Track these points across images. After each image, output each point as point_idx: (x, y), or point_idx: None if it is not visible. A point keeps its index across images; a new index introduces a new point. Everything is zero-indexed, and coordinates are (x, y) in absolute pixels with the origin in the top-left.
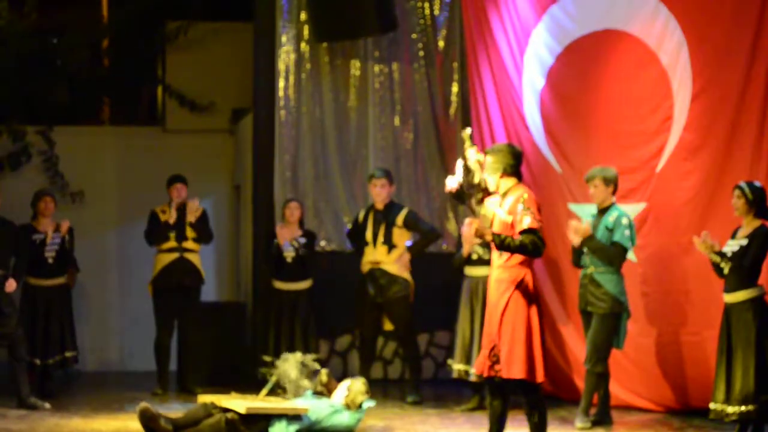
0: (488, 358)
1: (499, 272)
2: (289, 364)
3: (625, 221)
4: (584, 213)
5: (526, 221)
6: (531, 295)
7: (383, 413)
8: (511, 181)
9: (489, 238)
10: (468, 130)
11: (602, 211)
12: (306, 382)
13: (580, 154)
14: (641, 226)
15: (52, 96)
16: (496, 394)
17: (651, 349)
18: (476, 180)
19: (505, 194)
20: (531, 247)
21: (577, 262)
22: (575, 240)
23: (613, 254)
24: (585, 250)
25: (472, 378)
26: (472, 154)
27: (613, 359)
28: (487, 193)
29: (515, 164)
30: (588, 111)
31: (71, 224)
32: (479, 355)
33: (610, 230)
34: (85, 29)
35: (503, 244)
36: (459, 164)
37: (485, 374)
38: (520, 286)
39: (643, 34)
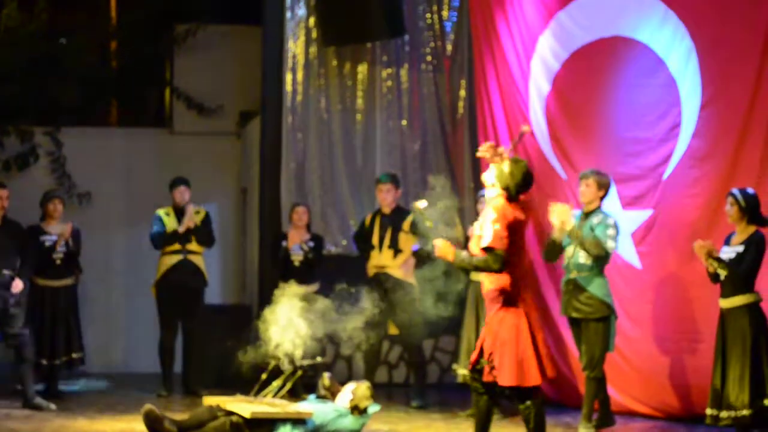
0: (486, 363)
1: (486, 283)
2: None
3: (610, 221)
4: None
5: (485, 239)
6: (516, 301)
7: (388, 417)
8: (499, 196)
9: (451, 259)
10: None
11: (587, 214)
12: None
13: (586, 161)
14: (647, 233)
15: (60, 97)
16: (482, 394)
17: (655, 356)
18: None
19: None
20: (483, 266)
21: (549, 257)
22: (557, 222)
23: (593, 243)
24: (568, 258)
25: None
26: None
27: (617, 367)
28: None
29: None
30: (594, 117)
31: (78, 226)
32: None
33: (594, 230)
34: (94, 31)
35: (461, 266)
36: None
37: (485, 378)
38: (504, 293)
39: (652, 40)
